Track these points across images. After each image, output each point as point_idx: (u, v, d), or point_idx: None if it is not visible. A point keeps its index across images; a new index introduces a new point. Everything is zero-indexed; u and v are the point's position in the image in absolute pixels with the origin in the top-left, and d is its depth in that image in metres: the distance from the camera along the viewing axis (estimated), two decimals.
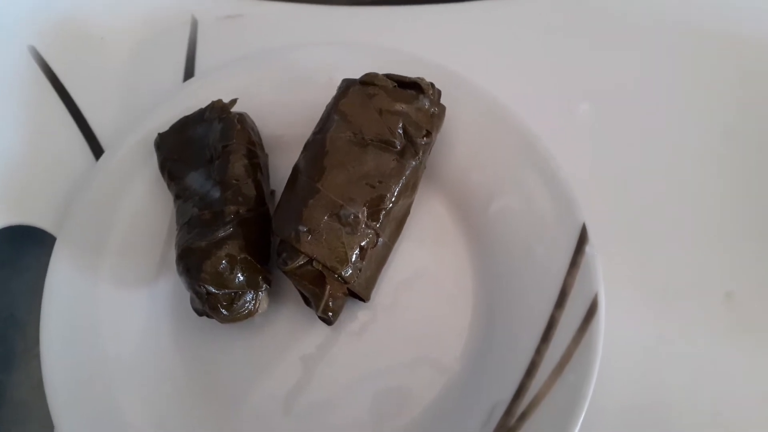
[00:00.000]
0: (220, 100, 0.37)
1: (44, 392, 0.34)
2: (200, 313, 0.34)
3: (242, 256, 0.33)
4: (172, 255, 0.35)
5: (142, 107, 0.41)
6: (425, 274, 0.37)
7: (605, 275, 0.33)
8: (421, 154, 0.34)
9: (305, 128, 0.37)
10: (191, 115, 0.37)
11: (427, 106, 0.35)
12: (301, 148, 0.36)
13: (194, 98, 0.39)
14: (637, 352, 0.36)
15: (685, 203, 0.39)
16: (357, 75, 0.36)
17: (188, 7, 0.46)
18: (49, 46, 0.43)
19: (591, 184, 0.37)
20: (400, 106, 0.34)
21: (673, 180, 0.40)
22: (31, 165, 0.40)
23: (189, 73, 0.44)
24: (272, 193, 0.38)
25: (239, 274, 0.33)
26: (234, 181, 0.34)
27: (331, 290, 0.33)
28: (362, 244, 0.33)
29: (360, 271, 0.33)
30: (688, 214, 0.39)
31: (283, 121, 0.39)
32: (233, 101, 0.37)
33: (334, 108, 0.35)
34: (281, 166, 0.38)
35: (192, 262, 0.32)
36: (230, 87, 0.39)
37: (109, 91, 0.43)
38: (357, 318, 0.36)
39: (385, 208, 0.33)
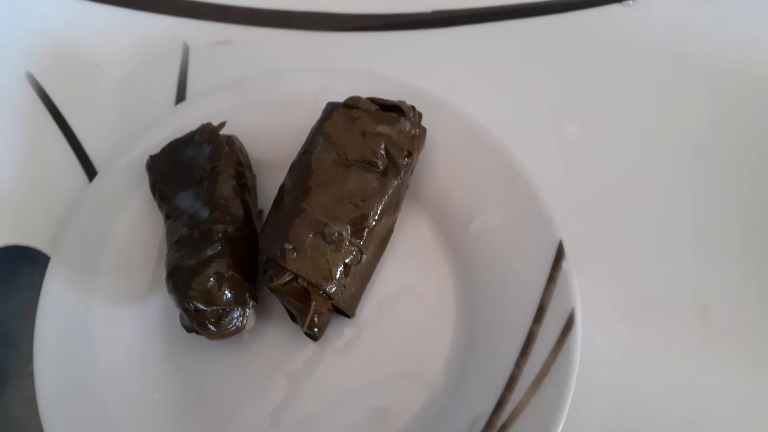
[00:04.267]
0: (209, 123, 0.38)
1: (37, 409, 0.35)
2: (189, 330, 0.35)
3: (230, 273, 0.34)
4: (163, 273, 0.36)
5: (135, 130, 0.42)
6: (409, 290, 0.38)
7: (582, 290, 0.34)
8: (402, 173, 0.35)
9: (292, 150, 0.38)
10: (181, 137, 0.39)
11: (408, 128, 0.36)
12: (287, 169, 0.37)
13: (185, 121, 0.40)
14: (614, 365, 0.37)
15: (661, 219, 0.40)
16: (342, 98, 0.37)
17: (180, 34, 0.47)
18: (46, 72, 0.45)
19: (567, 201, 0.38)
20: (382, 128, 0.35)
21: (648, 196, 0.41)
22: (26, 187, 0.41)
23: (181, 97, 0.45)
24: (260, 212, 0.39)
25: (227, 292, 0.33)
26: (222, 201, 0.35)
27: (316, 306, 0.34)
28: (346, 261, 0.34)
29: (344, 287, 0.34)
30: (664, 229, 0.40)
31: (271, 143, 0.40)
32: (222, 124, 0.38)
33: (318, 130, 0.36)
34: (269, 186, 0.40)
35: (181, 279, 0.33)
36: (219, 110, 0.40)
37: (104, 115, 0.44)
38: (342, 334, 0.37)
39: (368, 226, 0.34)
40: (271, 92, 0.41)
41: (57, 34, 0.46)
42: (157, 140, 0.40)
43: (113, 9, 0.47)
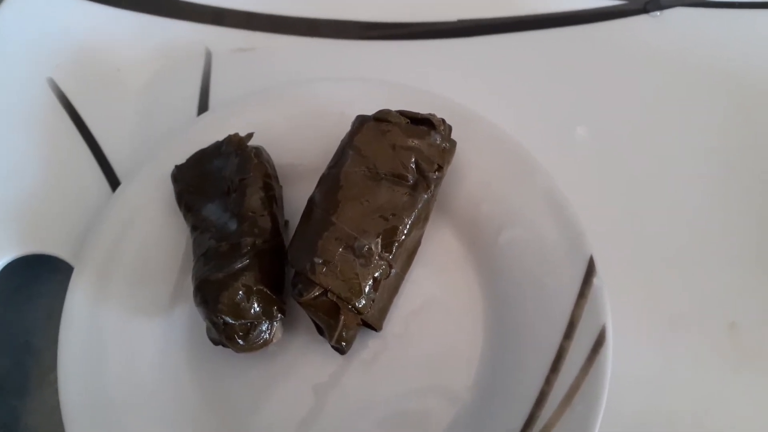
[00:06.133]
0: (236, 134, 0.38)
1: (58, 418, 0.35)
2: (216, 343, 0.35)
3: (258, 287, 0.34)
4: (188, 284, 0.36)
5: (157, 139, 0.42)
6: (436, 303, 0.37)
7: (611, 305, 0.34)
8: (432, 187, 0.35)
9: (317, 160, 0.38)
10: (208, 148, 0.38)
11: (438, 142, 0.36)
12: (313, 179, 0.37)
13: (209, 131, 0.39)
14: (643, 381, 0.37)
15: (689, 235, 0.40)
16: (368, 109, 0.37)
17: (203, 40, 0.47)
18: (68, 78, 0.44)
19: (593, 215, 0.38)
20: (412, 142, 0.35)
21: (676, 211, 0.41)
22: (49, 195, 0.41)
23: (203, 104, 0.45)
24: (286, 223, 0.38)
25: (255, 305, 0.33)
26: (251, 214, 0.35)
27: (345, 321, 0.34)
28: (375, 275, 0.34)
29: (373, 302, 0.34)
30: (692, 245, 0.40)
31: (296, 154, 0.40)
32: (249, 135, 0.38)
33: (348, 143, 0.36)
34: (294, 196, 0.39)
35: (210, 293, 0.33)
36: (244, 120, 0.40)
37: (125, 122, 0.44)
38: (369, 347, 0.37)
39: (397, 240, 0.34)
40: (297, 102, 0.41)
41: (79, 40, 0.46)
42: (180, 150, 0.39)
43: (135, 14, 0.47)
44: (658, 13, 0.46)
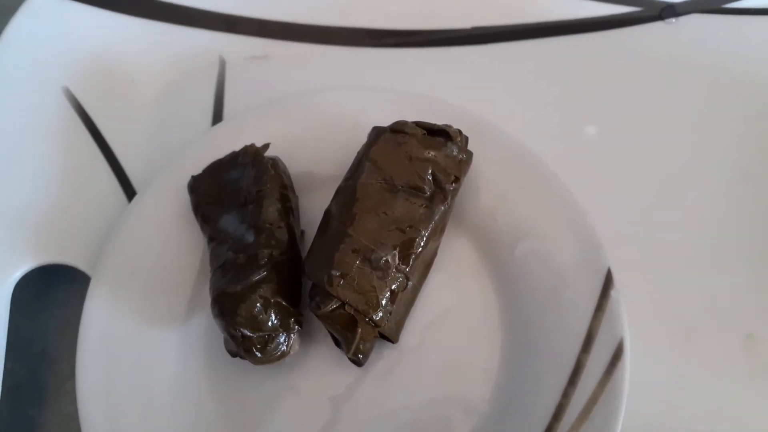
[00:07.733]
0: (252, 145, 0.38)
1: (74, 427, 0.35)
2: (234, 354, 0.35)
3: (275, 299, 0.34)
4: (204, 295, 0.36)
5: (173, 148, 0.42)
6: (452, 315, 0.37)
7: (627, 317, 0.34)
8: (449, 199, 0.35)
9: (332, 169, 0.38)
10: (224, 158, 0.38)
11: (455, 153, 0.35)
12: (327, 188, 0.37)
13: (225, 141, 0.39)
14: (659, 392, 0.36)
15: (706, 244, 0.40)
16: (383, 119, 0.37)
17: (216, 48, 0.47)
18: (83, 87, 0.44)
19: (612, 223, 0.37)
20: (429, 154, 0.35)
21: (693, 221, 0.40)
22: (65, 205, 0.41)
23: (218, 111, 0.45)
24: (302, 233, 0.38)
25: (273, 317, 0.33)
26: (268, 225, 0.35)
27: (362, 334, 0.33)
28: (393, 287, 0.34)
29: (390, 314, 0.34)
30: (709, 254, 0.40)
31: (311, 162, 0.40)
32: (266, 146, 0.38)
33: (365, 155, 0.36)
34: (309, 205, 0.39)
35: (227, 305, 0.33)
36: (259, 129, 0.40)
37: (141, 130, 0.44)
38: (385, 358, 0.36)
39: (414, 252, 0.34)
40: (311, 112, 0.41)
41: (93, 48, 0.46)
42: (196, 160, 0.39)
43: (149, 22, 0.47)
44: (673, 20, 0.46)
